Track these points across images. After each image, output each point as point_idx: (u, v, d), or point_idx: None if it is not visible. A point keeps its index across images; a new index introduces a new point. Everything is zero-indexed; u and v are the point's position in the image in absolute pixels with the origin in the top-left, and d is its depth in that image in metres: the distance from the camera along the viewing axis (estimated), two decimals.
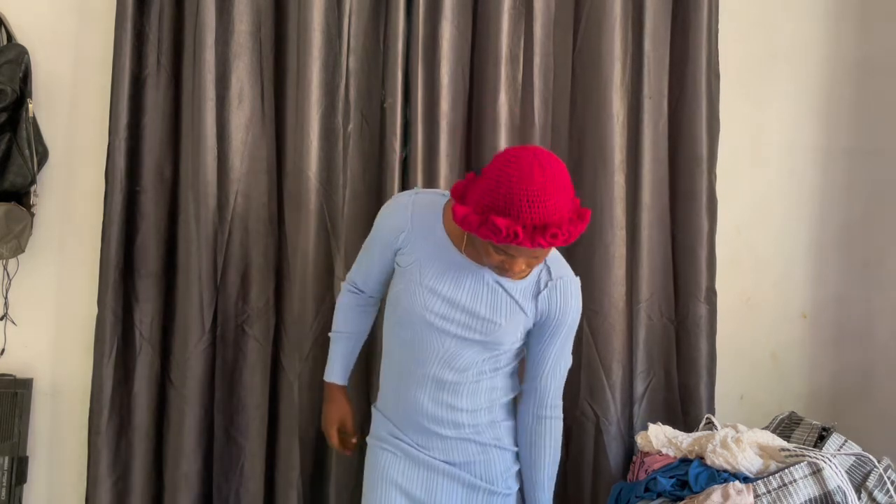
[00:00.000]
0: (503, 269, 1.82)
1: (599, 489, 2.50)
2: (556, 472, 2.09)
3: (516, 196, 1.67)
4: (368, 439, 2.12)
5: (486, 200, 1.71)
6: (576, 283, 2.00)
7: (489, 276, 1.92)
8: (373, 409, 2.13)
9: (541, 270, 1.96)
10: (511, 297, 1.94)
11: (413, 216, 1.95)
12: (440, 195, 2.00)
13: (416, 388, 1.98)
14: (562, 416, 2.07)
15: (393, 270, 2.03)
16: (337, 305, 2.19)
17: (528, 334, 2.01)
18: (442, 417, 1.99)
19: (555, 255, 2.00)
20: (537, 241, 1.68)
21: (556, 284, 1.96)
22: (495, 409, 2.05)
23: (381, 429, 2.08)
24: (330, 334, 2.18)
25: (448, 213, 1.93)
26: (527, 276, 1.90)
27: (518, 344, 2.01)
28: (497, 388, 2.03)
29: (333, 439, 2.18)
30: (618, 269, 2.54)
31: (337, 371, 2.17)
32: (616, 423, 2.54)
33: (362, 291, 2.14)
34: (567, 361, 2.05)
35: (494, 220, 1.67)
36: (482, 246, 1.81)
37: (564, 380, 2.06)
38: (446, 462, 2.02)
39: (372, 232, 2.06)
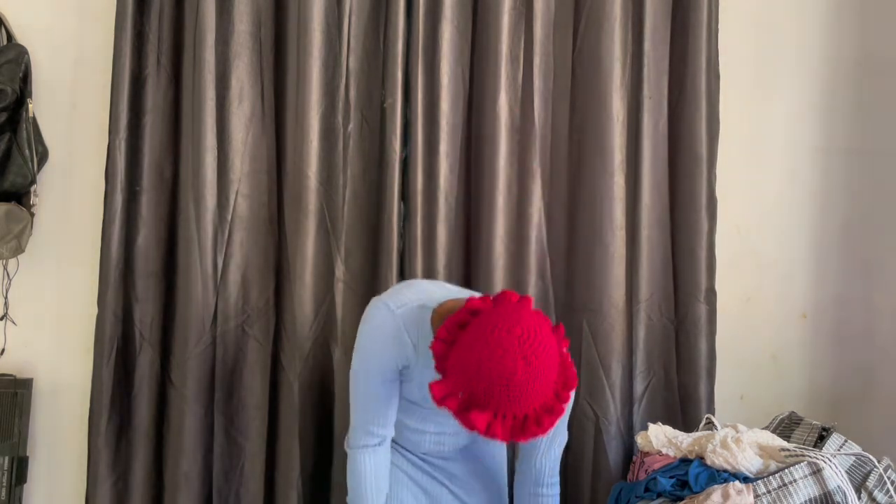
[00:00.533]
0: None
1: (599, 489, 2.50)
2: None
3: (496, 390, 1.55)
4: None
5: (464, 385, 1.59)
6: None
7: None
8: None
9: None
10: None
11: (413, 340, 1.84)
12: (421, 307, 1.85)
13: (419, 436, 2.02)
14: (558, 489, 2.04)
15: None
16: (357, 473, 1.92)
17: None
18: (446, 453, 2.05)
19: None
20: (517, 437, 1.59)
21: None
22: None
23: None
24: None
25: (435, 324, 1.82)
26: None
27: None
28: None
29: None
30: (617, 269, 2.54)
31: None
32: (616, 423, 2.53)
33: (385, 437, 1.94)
34: (562, 440, 2.00)
35: (473, 418, 1.58)
36: None
37: (560, 458, 2.02)
38: (445, 471, 2.07)
39: (371, 372, 1.89)
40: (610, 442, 2.51)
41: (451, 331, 1.64)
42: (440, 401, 1.60)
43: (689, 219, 2.59)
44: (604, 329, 2.53)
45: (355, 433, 1.93)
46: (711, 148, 2.61)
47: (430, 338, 1.78)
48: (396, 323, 1.84)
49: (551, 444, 1.97)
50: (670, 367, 2.62)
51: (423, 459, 2.06)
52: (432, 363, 1.70)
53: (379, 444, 1.92)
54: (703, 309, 2.59)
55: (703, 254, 2.59)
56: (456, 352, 1.61)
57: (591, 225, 2.54)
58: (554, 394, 1.60)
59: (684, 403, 2.59)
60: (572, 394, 1.65)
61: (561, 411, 1.60)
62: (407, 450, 2.06)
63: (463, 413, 1.59)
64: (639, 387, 2.58)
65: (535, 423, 1.58)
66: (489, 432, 1.57)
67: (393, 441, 2.04)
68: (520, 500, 2.05)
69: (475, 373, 1.56)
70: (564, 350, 1.65)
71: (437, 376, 1.68)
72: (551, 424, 1.59)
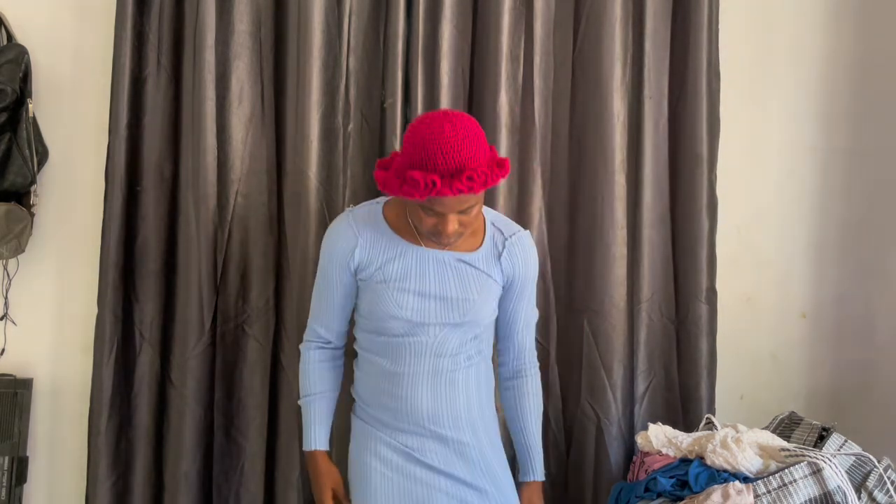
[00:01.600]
0: (439, 233, 1.88)
1: (600, 489, 2.50)
2: (541, 421, 2.16)
3: (430, 149, 1.76)
4: (354, 453, 2.07)
5: (403, 162, 1.81)
6: (527, 235, 2.09)
7: (449, 255, 1.97)
8: (353, 419, 2.10)
9: (493, 235, 2.03)
10: (476, 268, 1.99)
11: (358, 230, 1.98)
12: (373, 203, 2.05)
13: (412, 387, 1.98)
14: (538, 367, 2.17)
15: (355, 299, 2.05)
16: (301, 368, 2.10)
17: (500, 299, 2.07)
18: (442, 414, 1.99)
19: (498, 217, 2.11)
20: (455, 186, 1.75)
21: (512, 242, 2.04)
22: (484, 403, 2.08)
23: (368, 439, 2.03)
24: (300, 401, 2.09)
25: (388, 213, 2.00)
26: (462, 236, 1.94)
27: (494, 316, 2.07)
28: (482, 376, 2.07)
29: None
30: (619, 268, 2.54)
31: (320, 437, 2.06)
32: (617, 424, 2.54)
33: (328, 342, 2.09)
34: (535, 313, 2.16)
35: (412, 174, 1.75)
36: (415, 217, 1.89)
37: (534, 339, 2.17)
38: (445, 473, 1.99)
39: (322, 269, 2.05)
40: (611, 443, 2.52)
41: (392, 155, 1.93)
42: (383, 183, 1.82)
43: (690, 218, 2.60)
44: (605, 329, 2.53)
45: (306, 330, 2.11)
46: (712, 148, 2.61)
47: (380, 224, 1.98)
48: (347, 217, 2.02)
49: (530, 316, 2.13)
50: (671, 367, 2.62)
51: (419, 461, 1.99)
52: (390, 252, 1.95)
53: (320, 347, 2.09)
54: (703, 309, 2.59)
55: (703, 253, 2.59)
56: (395, 158, 1.88)
57: (591, 225, 2.54)
58: (486, 164, 1.79)
59: (685, 403, 2.60)
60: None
61: (497, 175, 1.79)
62: (401, 430, 1.99)
63: (404, 180, 1.77)
64: (640, 387, 2.58)
65: (472, 171, 1.75)
66: (426, 181, 1.74)
67: (389, 428, 1.99)
68: (505, 381, 2.14)
69: (411, 146, 1.80)
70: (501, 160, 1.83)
71: (393, 266, 1.94)
72: (486, 177, 1.76)
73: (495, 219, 2.09)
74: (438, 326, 1.96)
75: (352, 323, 2.12)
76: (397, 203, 2.01)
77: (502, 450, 2.13)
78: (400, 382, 1.98)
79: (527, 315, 2.12)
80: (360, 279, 2.00)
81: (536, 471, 2.12)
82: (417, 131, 1.81)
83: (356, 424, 2.08)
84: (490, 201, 2.50)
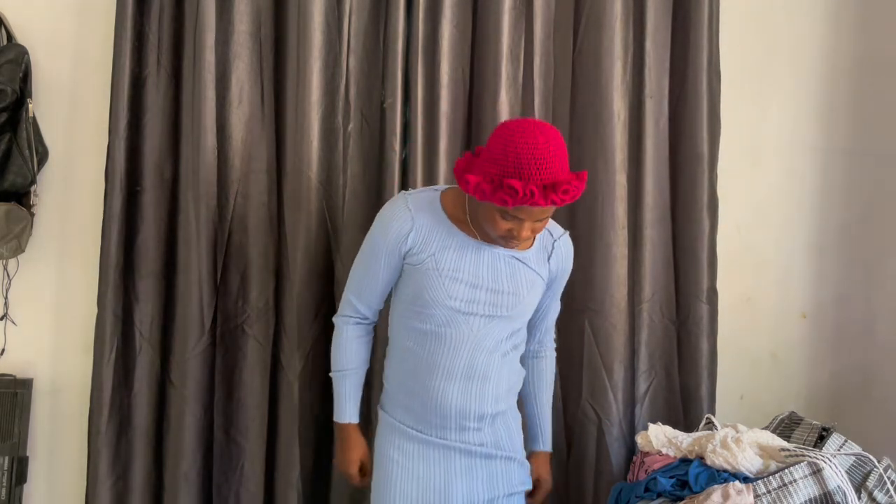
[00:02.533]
0: (510, 238, 1.89)
1: (601, 490, 2.50)
2: (552, 397, 2.24)
3: (525, 160, 1.77)
4: (377, 444, 2.08)
5: (494, 170, 1.79)
6: (568, 235, 2.12)
7: (503, 251, 1.99)
8: (379, 412, 2.10)
9: (543, 236, 2.05)
10: (528, 266, 2.01)
11: (415, 214, 1.97)
12: (431, 190, 2.05)
13: (443, 381, 1.98)
14: (555, 348, 2.24)
15: (397, 281, 2.04)
16: (337, 342, 2.10)
17: None
18: (469, 410, 1.99)
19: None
20: (550, 197, 1.77)
21: (560, 244, 2.08)
22: (511, 400, 2.10)
23: (392, 433, 2.05)
24: (333, 374, 2.10)
25: (446, 202, 1.99)
26: (531, 243, 1.99)
27: (533, 313, 2.10)
28: (514, 372, 2.09)
29: (357, 479, 2.12)
30: (619, 268, 2.55)
31: (352, 410, 2.09)
32: (618, 424, 2.54)
33: (366, 318, 2.10)
34: (559, 304, 2.20)
35: (510, 183, 1.76)
36: (487, 219, 1.88)
37: (554, 323, 2.22)
38: (460, 446, 2.01)
39: (370, 246, 2.03)
40: (612, 443, 2.52)
41: (465, 157, 1.91)
42: (475, 187, 1.80)
43: (691, 218, 2.60)
44: (605, 329, 2.53)
45: (342, 305, 2.11)
46: (713, 147, 2.61)
47: (437, 212, 1.97)
48: (404, 200, 2.00)
49: (555, 308, 2.19)
50: (672, 367, 2.62)
51: (437, 444, 2.00)
52: (446, 241, 1.94)
53: (357, 322, 2.09)
54: (704, 309, 2.59)
55: (704, 253, 2.59)
56: (477, 160, 1.86)
57: (592, 224, 2.55)
58: (575, 176, 1.82)
59: (686, 404, 2.60)
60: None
61: (581, 186, 1.82)
62: (423, 420, 2.00)
63: (499, 187, 1.78)
64: (641, 387, 2.58)
65: (567, 184, 1.79)
66: (525, 192, 1.76)
67: (411, 414, 2.00)
68: (523, 357, 2.15)
69: (503, 154, 1.79)
70: None
71: (447, 255, 1.94)
72: (577, 190, 1.81)
73: None
74: (484, 318, 1.97)
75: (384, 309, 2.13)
76: (456, 194, 2.01)
77: (521, 437, 2.14)
78: (433, 374, 1.98)
79: (553, 306, 2.18)
80: (408, 263, 1.99)
81: (546, 441, 2.19)
82: (510, 140, 1.80)
83: (382, 417, 2.09)
84: None
